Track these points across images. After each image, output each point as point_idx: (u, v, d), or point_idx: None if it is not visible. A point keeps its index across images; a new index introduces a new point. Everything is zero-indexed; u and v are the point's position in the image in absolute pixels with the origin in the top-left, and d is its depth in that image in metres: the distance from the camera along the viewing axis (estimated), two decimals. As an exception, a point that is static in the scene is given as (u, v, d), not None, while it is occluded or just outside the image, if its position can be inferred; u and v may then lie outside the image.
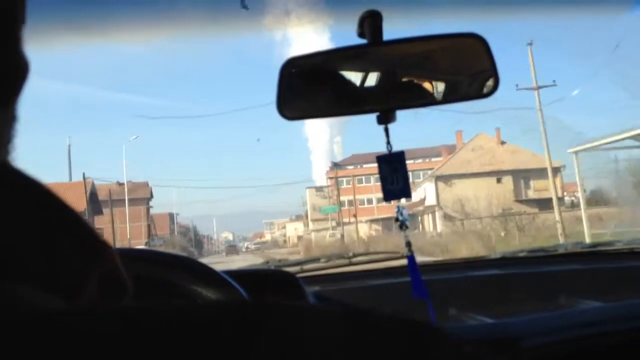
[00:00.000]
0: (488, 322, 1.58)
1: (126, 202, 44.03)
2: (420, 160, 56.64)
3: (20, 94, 0.40)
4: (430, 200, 44.15)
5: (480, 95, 1.26)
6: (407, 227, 1.33)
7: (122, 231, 47.75)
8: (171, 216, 76.84)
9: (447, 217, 38.95)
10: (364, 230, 46.95)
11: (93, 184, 42.44)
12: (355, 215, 46.81)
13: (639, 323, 1.44)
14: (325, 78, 1.28)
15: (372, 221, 49.34)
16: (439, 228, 39.66)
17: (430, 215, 44.91)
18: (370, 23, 1.17)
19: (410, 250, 1.32)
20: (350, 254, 2.41)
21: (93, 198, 41.60)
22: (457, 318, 1.76)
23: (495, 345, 1.35)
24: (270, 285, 1.39)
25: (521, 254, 2.41)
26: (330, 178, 61.32)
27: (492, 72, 1.22)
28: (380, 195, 1.30)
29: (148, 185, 59.63)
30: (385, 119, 1.23)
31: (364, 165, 57.75)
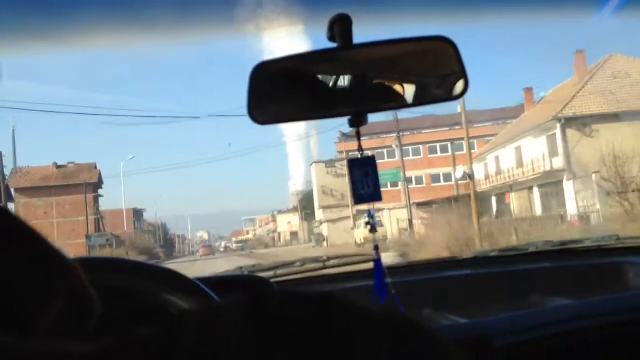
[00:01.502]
0: (461, 322, 1.59)
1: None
2: (488, 124, 44.76)
3: None
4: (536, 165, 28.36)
5: (450, 97, 1.27)
6: (376, 231, 1.33)
7: (63, 227, 41.79)
8: (137, 213, 65.02)
9: (600, 187, 21.59)
10: (402, 218, 32.42)
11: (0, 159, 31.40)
12: (408, 197, 32.55)
13: (609, 320, 1.47)
14: (296, 82, 1.28)
15: (421, 205, 33.59)
16: (581, 207, 24.65)
17: (541, 188, 28.68)
18: (341, 27, 1.18)
19: (377, 253, 1.33)
20: (325, 258, 2.41)
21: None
22: (431, 318, 1.78)
23: (469, 345, 1.36)
24: (243, 291, 1.38)
25: (493, 254, 2.44)
26: (340, 152, 49.52)
27: (461, 74, 1.23)
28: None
29: (96, 167, 47.75)
30: (357, 121, 1.23)
31: (383, 136, 42.64)
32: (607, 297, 1.64)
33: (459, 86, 1.24)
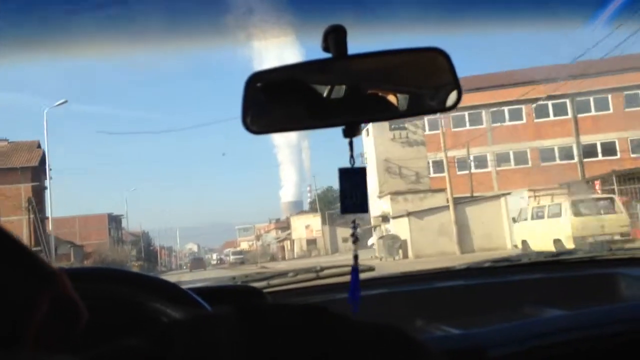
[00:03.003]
0: (455, 332, 1.59)
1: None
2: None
3: None
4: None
5: (443, 108, 1.28)
6: (358, 240, 1.34)
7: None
8: (114, 220, 56.54)
9: None
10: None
11: None
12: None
13: (602, 330, 1.47)
14: (290, 92, 1.28)
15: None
16: None
17: None
18: (335, 37, 1.18)
19: (356, 263, 1.33)
20: (318, 268, 2.40)
21: None
22: (423, 329, 1.77)
23: (462, 356, 1.36)
24: (237, 301, 1.37)
25: (486, 264, 2.44)
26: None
27: (454, 85, 1.24)
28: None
29: (39, 147, 34.37)
30: (351, 132, 1.24)
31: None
32: (600, 308, 1.64)
33: (452, 97, 1.25)
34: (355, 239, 1.33)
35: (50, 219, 30.95)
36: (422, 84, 1.34)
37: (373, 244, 43.04)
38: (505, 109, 32.20)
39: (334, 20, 1.21)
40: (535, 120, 32.90)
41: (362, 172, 1.27)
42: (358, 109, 1.29)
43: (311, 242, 53.11)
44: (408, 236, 26.51)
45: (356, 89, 1.30)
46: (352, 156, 1.27)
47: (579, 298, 1.88)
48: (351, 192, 1.26)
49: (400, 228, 27.60)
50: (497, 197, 27.30)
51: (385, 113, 1.35)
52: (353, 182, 1.27)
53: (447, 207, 26.50)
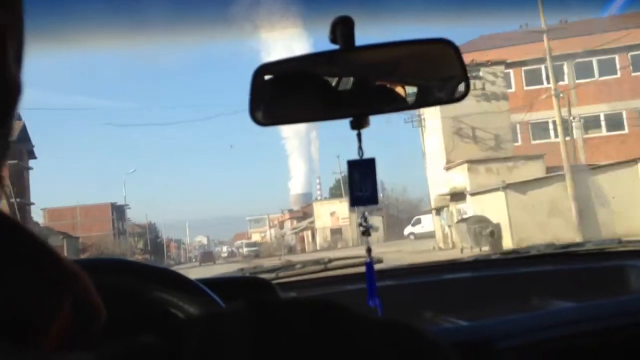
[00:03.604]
0: (462, 324, 1.59)
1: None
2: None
3: (14, 114, 0.39)
4: None
5: (452, 99, 1.27)
6: (369, 234, 1.33)
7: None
8: (118, 210, 52.00)
9: None
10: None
11: None
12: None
13: (610, 322, 1.47)
14: (297, 84, 1.28)
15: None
16: None
17: None
18: (342, 29, 1.18)
19: (370, 256, 1.33)
20: (326, 260, 2.40)
21: None
22: (431, 321, 1.77)
23: (471, 348, 1.36)
24: (246, 292, 1.38)
25: (494, 256, 2.44)
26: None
27: (462, 76, 1.23)
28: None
29: (20, 118, 21.58)
30: (359, 124, 1.23)
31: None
32: (609, 300, 1.64)
33: (461, 88, 1.25)
34: (367, 232, 1.33)
35: (32, 205, 27.52)
36: (430, 76, 1.33)
37: (411, 234, 40.00)
38: (594, 59, 24.75)
39: (341, 11, 1.21)
40: (634, 74, 25.33)
41: (371, 163, 1.27)
42: (366, 101, 1.28)
43: (336, 232, 45.82)
44: (502, 218, 19.48)
45: (364, 80, 1.30)
46: (360, 147, 1.26)
47: (587, 290, 1.87)
48: (360, 184, 1.26)
49: (484, 208, 20.35)
50: (631, 162, 19.85)
51: (393, 105, 1.34)
52: (362, 174, 1.26)
53: (561, 176, 19.47)
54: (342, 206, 44.34)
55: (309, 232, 49.91)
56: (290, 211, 65.40)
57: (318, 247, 44.65)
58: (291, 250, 48.51)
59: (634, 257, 2.23)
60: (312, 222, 48.96)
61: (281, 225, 65.52)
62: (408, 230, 41.90)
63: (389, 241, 36.72)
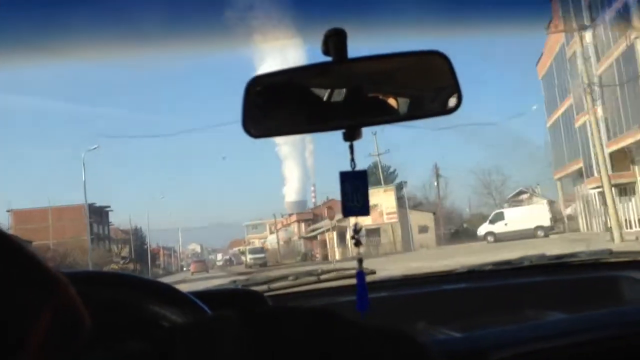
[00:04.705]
0: (457, 335, 1.59)
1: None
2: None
3: None
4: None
5: (444, 111, 1.28)
6: (361, 244, 1.34)
7: None
8: (97, 212, 45.95)
9: None
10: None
11: None
12: None
13: (603, 333, 1.47)
14: (290, 95, 1.28)
15: None
16: None
17: None
18: (335, 41, 1.18)
19: (360, 266, 1.33)
20: (319, 271, 2.40)
21: None
22: (426, 332, 1.77)
23: (464, 359, 1.36)
24: (238, 305, 1.37)
25: (488, 267, 2.44)
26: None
27: (455, 88, 1.24)
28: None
29: None
30: (351, 135, 1.24)
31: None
32: (603, 311, 1.64)
33: (453, 100, 1.25)
34: (358, 243, 1.33)
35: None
36: (422, 88, 1.34)
37: (489, 234, 30.83)
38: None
39: (334, 23, 1.21)
40: None
41: (363, 175, 1.27)
42: (358, 113, 1.29)
43: (373, 233, 33.93)
44: None
45: (356, 92, 1.30)
46: (352, 159, 1.27)
47: (581, 301, 1.87)
48: (352, 195, 1.26)
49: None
50: None
51: (386, 117, 1.35)
52: (354, 185, 1.27)
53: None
54: (385, 197, 32.22)
55: (334, 234, 36.75)
56: (298, 213, 56.40)
57: (352, 253, 36.24)
58: (306, 257, 41.34)
59: (625, 268, 2.23)
60: (340, 220, 33.32)
61: (283, 230, 57.05)
62: (484, 229, 32.48)
63: (450, 245, 26.09)
